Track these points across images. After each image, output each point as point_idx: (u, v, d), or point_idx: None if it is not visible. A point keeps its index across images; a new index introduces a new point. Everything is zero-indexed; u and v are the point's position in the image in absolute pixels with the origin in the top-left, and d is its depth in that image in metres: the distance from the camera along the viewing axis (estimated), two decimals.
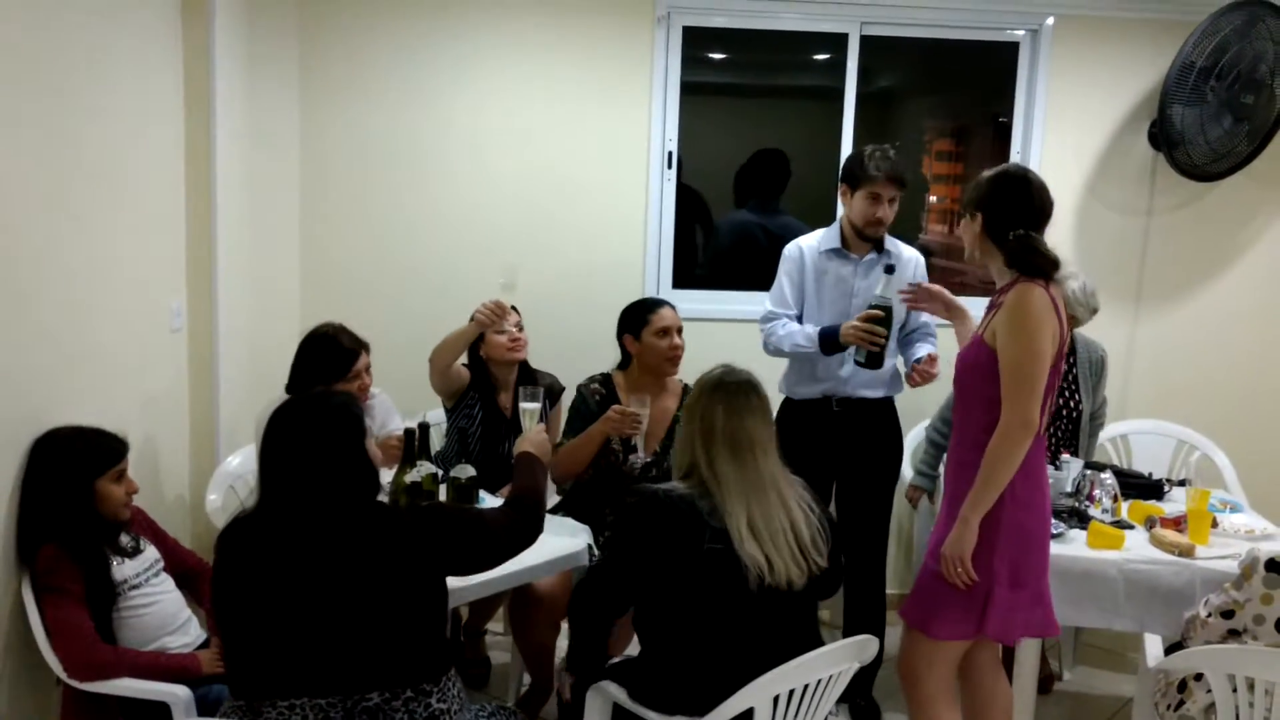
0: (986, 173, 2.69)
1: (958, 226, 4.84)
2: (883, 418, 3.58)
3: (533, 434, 2.67)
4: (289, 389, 3.27)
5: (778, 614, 2.38)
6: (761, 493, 2.39)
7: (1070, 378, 3.71)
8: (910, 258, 3.59)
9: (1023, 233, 2.55)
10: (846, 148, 4.43)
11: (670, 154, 4.35)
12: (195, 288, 3.47)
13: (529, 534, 2.34)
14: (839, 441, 3.52)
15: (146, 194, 3.15)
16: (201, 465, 3.53)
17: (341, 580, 2.00)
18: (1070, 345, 3.46)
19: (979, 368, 2.56)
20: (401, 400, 3.69)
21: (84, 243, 2.73)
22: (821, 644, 2.36)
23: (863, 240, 3.49)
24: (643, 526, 2.40)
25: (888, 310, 3.23)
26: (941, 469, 3.46)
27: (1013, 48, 4.48)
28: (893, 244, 3.55)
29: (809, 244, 3.57)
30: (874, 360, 3.27)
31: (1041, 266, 2.54)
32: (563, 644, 2.97)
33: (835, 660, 2.29)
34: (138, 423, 3.07)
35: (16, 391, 2.37)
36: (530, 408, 2.92)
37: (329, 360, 3.21)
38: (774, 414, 2.57)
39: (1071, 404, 3.71)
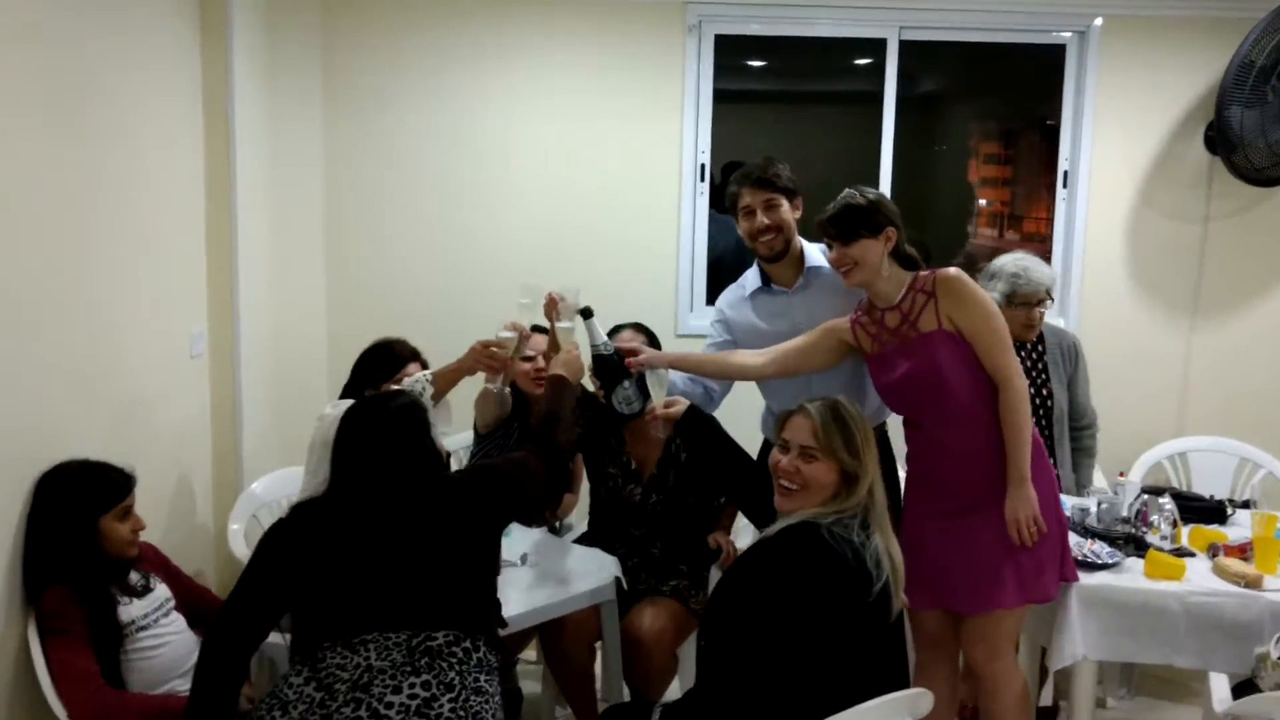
0: (870, 196, 2.74)
1: (1008, 230, 4.83)
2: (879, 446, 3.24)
3: (566, 355, 2.66)
4: (344, 395, 3.21)
5: (891, 643, 2.31)
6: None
7: (1040, 366, 3.55)
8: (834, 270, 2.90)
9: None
10: (887, 154, 4.30)
11: (703, 166, 4.24)
12: (216, 313, 3.42)
13: (554, 465, 2.45)
14: None
15: (165, 218, 3.10)
16: (225, 493, 3.47)
17: (410, 535, 2.14)
18: (1039, 334, 3.52)
19: (951, 355, 2.63)
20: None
21: (99, 270, 2.68)
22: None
23: (780, 265, 3.00)
24: (812, 584, 2.17)
25: (600, 358, 2.75)
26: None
27: (1059, 49, 4.31)
28: (814, 255, 3.02)
29: (730, 298, 3.13)
30: (612, 411, 2.79)
31: (916, 259, 2.76)
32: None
33: (885, 714, 2.13)
34: (157, 451, 3.02)
35: (22, 424, 2.30)
36: (564, 326, 2.75)
37: (379, 365, 3.17)
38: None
39: (1044, 393, 3.53)
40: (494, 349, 2.83)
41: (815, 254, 3.02)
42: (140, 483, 2.85)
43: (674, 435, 2.86)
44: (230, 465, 3.50)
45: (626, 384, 2.74)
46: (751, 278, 3.09)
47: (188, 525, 3.28)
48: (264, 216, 3.73)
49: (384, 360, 3.22)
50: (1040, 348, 3.55)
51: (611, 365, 2.75)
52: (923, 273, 2.71)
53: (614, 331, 3.22)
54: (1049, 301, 3.45)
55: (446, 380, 3.01)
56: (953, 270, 2.67)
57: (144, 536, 2.76)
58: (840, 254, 2.70)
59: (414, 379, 2.90)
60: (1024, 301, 3.38)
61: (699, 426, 2.74)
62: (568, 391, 2.60)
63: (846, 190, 2.76)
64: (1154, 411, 4.34)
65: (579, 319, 2.75)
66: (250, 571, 2.12)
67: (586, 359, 2.80)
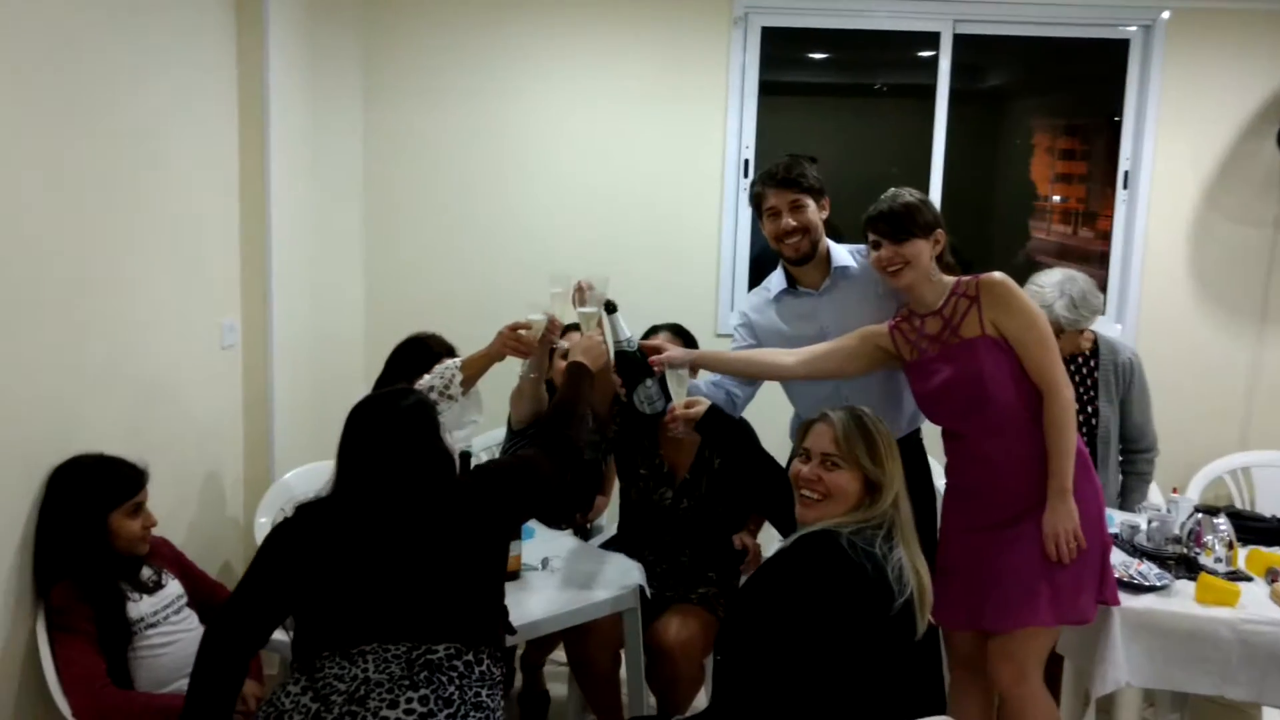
0: (918, 196, 2.66)
1: (1081, 227, 4.67)
2: (907, 458, 2.85)
3: (586, 340, 2.57)
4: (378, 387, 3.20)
5: (921, 657, 2.21)
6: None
7: (1089, 383, 3.39)
8: (862, 271, 2.88)
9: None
10: (939, 150, 4.18)
11: (747, 162, 4.14)
12: (250, 303, 3.41)
13: (566, 459, 2.35)
14: None
15: (197, 209, 3.09)
16: (255, 486, 3.45)
17: (413, 542, 2.08)
18: (1094, 347, 3.39)
19: (996, 363, 2.54)
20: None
21: (124, 260, 2.67)
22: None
23: (807, 268, 2.90)
24: (829, 596, 2.07)
25: (623, 355, 2.71)
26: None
27: (1123, 44, 4.14)
28: (841, 256, 2.91)
29: (754, 300, 3.04)
30: (633, 409, 2.76)
31: (953, 264, 2.69)
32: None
33: None
34: (186, 442, 3.02)
35: (41, 415, 2.30)
36: (588, 312, 2.68)
37: (413, 360, 3.13)
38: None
39: (1089, 410, 3.37)
40: (521, 330, 2.76)
41: (843, 255, 2.91)
42: (168, 474, 2.89)
43: (700, 437, 2.79)
44: (261, 458, 3.49)
45: (649, 382, 2.68)
46: (776, 280, 2.99)
47: (217, 518, 3.28)
48: (303, 210, 3.71)
49: (418, 355, 3.17)
50: (1092, 363, 3.40)
51: (634, 362, 2.69)
52: (965, 277, 2.63)
53: (650, 333, 3.15)
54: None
55: (475, 367, 2.95)
56: (997, 275, 2.58)
57: (170, 528, 2.80)
58: (893, 253, 2.60)
59: (444, 366, 2.84)
60: (1076, 331, 3.30)
61: (722, 428, 2.66)
62: (586, 381, 2.51)
63: (893, 190, 2.66)
64: (1216, 426, 4.17)
65: (597, 310, 2.68)
66: (251, 573, 2.07)
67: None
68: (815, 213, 2.86)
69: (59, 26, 2.35)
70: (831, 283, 2.90)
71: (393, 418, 2.16)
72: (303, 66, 3.69)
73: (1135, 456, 3.45)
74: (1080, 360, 3.35)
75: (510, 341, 2.79)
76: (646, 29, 4.05)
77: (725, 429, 2.68)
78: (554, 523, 3.11)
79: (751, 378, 2.93)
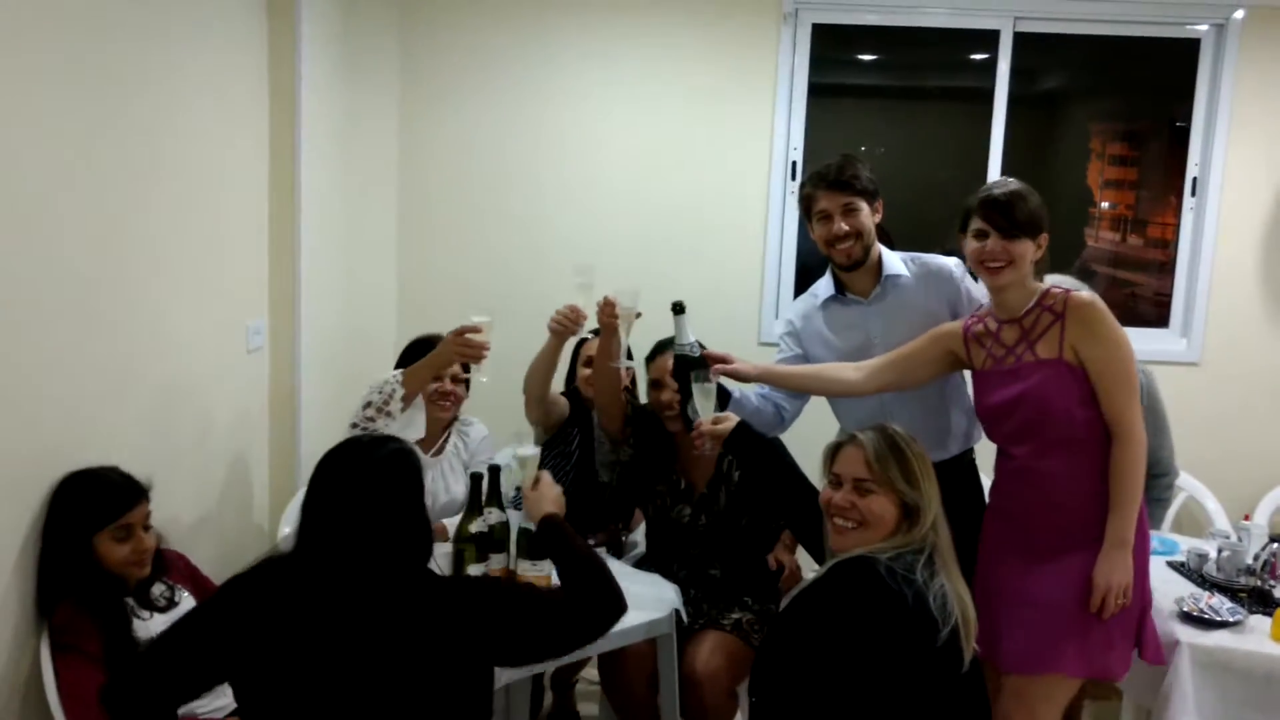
0: (1017, 189, 2.45)
1: (1130, 234, 4.49)
2: (958, 479, 2.76)
3: (540, 491, 2.23)
4: None
5: (969, 687, 2.04)
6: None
7: None
8: (922, 274, 2.78)
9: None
10: (996, 154, 4.03)
11: (794, 164, 4.00)
12: (277, 306, 3.34)
13: (608, 613, 1.98)
14: None
15: (224, 209, 3.03)
16: (281, 494, 3.39)
17: (374, 652, 1.77)
18: None
19: (1063, 389, 2.36)
20: (494, 422, 3.45)
21: (147, 260, 2.60)
22: None
23: (857, 274, 2.78)
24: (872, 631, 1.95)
25: (683, 359, 2.60)
26: None
27: (1193, 44, 3.95)
28: (893, 263, 2.79)
29: (801, 307, 2.91)
30: (684, 420, 2.67)
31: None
32: None
33: None
34: (209, 446, 2.96)
35: (53, 418, 2.22)
36: (528, 454, 2.44)
37: (420, 357, 3.01)
38: None
39: None
40: (469, 335, 2.71)
41: (895, 262, 2.77)
42: (191, 480, 2.85)
43: (725, 453, 2.70)
44: (287, 464, 3.42)
45: (708, 388, 2.56)
46: (824, 285, 2.86)
47: (243, 525, 3.22)
48: (334, 210, 3.66)
49: (422, 352, 3.04)
50: None
51: (695, 369, 2.56)
52: (1055, 289, 2.42)
53: (656, 351, 3.06)
54: None
55: (418, 379, 2.87)
56: (1087, 295, 2.39)
57: (194, 536, 2.75)
58: (1001, 248, 2.39)
59: (384, 380, 2.73)
60: None
61: (751, 446, 2.52)
62: (569, 531, 2.12)
63: (1004, 178, 2.50)
64: None
65: (538, 451, 2.53)
66: (191, 618, 1.86)
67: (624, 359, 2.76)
68: (868, 216, 2.72)
69: (86, 21, 2.30)
70: (882, 291, 2.76)
71: (367, 468, 1.86)
72: (337, 64, 3.63)
73: (1150, 483, 3.26)
74: None
75: (458, 346, 2.73)
76: (692, 24, 3.94)
77: (753, 447, 2.55)
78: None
79: (816, 394, 2.80)
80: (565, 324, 2.91)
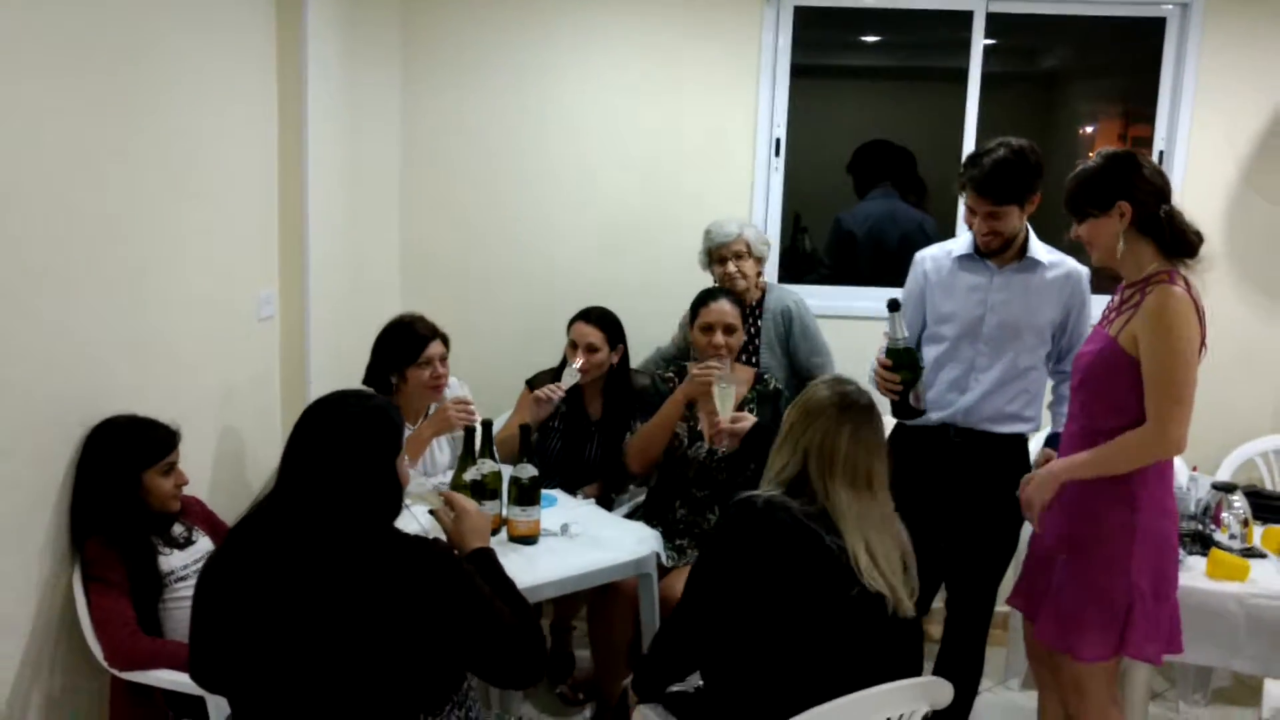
0: (1102, 162, 2.43)
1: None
2: (1011, 456, 2.97)
3: (476, 519, 2.20)
4: (366, 378, 3.29)
5: (894, 646, 2.18)
6: (879, 531, 2.15)
7: (752, 331, 3.59)
8: (1058, 275, 2.90)
9: (1169, 209, 2.39)
10: (970, 135, 4.16)
11: (778, 141, 4.17)
12: (287, 276, 3.47)
13: (530, 654, 1.97)
14: (956, 478, 2.99)
15: (237, 182, 3.16)
16: None
17: (338, 604, 1.80)
18: (761, 297, 3.60)
19: (1109, 370, 2.39)
20: (493, 396, 3.66)
21: (156, 228, 2.71)
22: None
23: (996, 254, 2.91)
24: (754, 550, 2.12)
25: (902, 350, 2.72)
26: None
27: (1159, 23, 4.10)
28: (1038, 250, 2.91)
29: (936, 253, 3.05)
30: (902, 410, 2.79)
31: (1195, 244, 2.39)
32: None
33: (897, 701, 2.08)
34: (219, 411, 3.08)
35: (75, 380, 2.38)
36: (724, 390, 2.96)
37: (401, 345, 3.23)
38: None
39: (753, 362, 3.56)
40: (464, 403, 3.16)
41: (1040, 250, 2.89)
42: (202, 444, 2.96)
43: (741, 451, 3.01)
44: None
45: (921, 383, 2.78)
46: (963, 244, 2.97)
47: (253, 487, 3.34)
48: (339, 182, 3.77)
49: (404, 339, 3.26)
50: (757, 310, 3.63)
51: (912, 361, 2.73)
52: (1166, 270, 2.38)
53: (578, 318, 3.45)
54: (749, 259, 3.55)
55: (420, 445, 3.22)
56: (1177, 290, 2.32)
57: (205, 493, 2.88)
58: (1076, 234, 2.48)
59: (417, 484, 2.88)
60: (719, 258, 3.57)
61: (767, 444, 2.69)
62: (499, 567, 2.13)
63: (1103, 149, 2.49)
64: (1249, 409, 4.10)
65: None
66: (194, 622, 1.93)
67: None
68: (1017, 220, 2.80)
69: (100, 6, 2.41)
70: (1018, 267, 2.88)
71: (341, 423, 1.89)
72: (343, 42, 3.75)
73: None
74: (747, 311, 3.53)
75: (460, 415, 3.10)
76: (678, 9, 4.07)
77: (768, 445, 2.73)
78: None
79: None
80: (468, 416, 3.11)
